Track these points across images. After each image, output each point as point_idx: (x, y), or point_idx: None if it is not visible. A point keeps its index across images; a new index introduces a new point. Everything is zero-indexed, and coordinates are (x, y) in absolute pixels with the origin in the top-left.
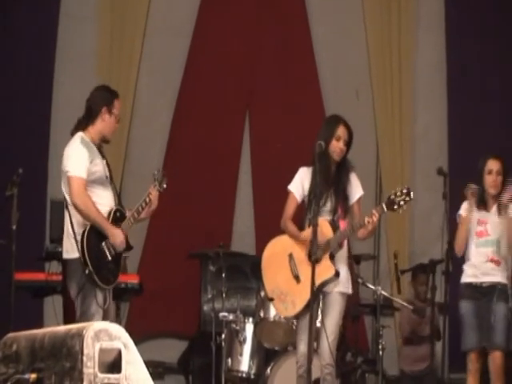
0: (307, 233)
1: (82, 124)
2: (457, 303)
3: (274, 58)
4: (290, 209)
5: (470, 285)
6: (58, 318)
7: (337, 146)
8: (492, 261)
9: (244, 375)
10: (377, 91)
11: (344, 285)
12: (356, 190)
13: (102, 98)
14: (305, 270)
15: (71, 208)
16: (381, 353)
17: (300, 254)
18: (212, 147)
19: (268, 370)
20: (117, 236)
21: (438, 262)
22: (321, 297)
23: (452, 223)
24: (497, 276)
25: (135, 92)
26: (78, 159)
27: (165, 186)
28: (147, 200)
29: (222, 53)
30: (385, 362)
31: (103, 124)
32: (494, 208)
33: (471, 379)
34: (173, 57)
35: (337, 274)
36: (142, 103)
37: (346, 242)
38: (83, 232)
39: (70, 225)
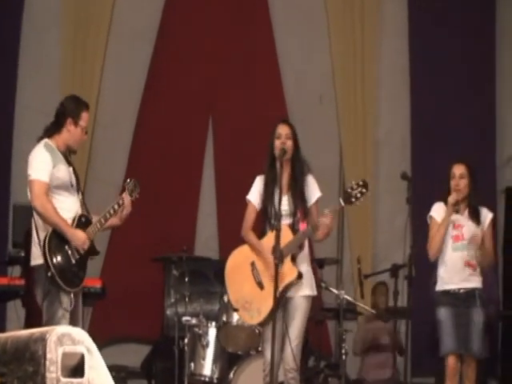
0: (266, 244)
1: (49, 131)
2: (421, 307)
3: (237, 63)
4: (249, 218)
5: (447, 292)
6: (21, 322)
7: (278, 143)
8: (468, 265)
9: (207, 379)
10: (340, 96)
11: (307, 287)
12: (313, 191)
13: (69, 110)
14: (267, 276)
15: (36, 215)
16: (344, 357)
17: (262, 263)
18: (175, 151)
19: (231, 374)
20: (77, 237)
21: (400, 267)
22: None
23: (415, 227)
24: (474, 282)
25: (98, 97)
26: (40, 163)
27: (137, 195)
28: (116, 207)
29: (185, 57)
30: (348, 366)
31: (68, 134)
32: (466, 212)
33: (450, 382)
34: (136, 62)
35: (300, 276)
36: (105, 108)
37: (307, 244)
38: (45, 236)
39: (35, 232)
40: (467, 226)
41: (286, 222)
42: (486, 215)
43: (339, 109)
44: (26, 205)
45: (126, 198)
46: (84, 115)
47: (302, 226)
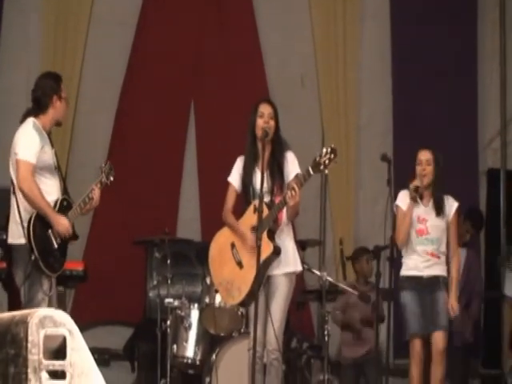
0: (243, 222)
1: (31, 114)
2: (397, 294)
3: (219, 47)
4: (229, 200)
5: (410, 277)
6: (3, 306)
7: (260, 122)
8: (432, 255)
9: (189, 361)
10: (322, 79)
11: (289, 264)
12: (292, 168)
13: (50, 88)
14: (246, 254)
15: (18, 193)
16: (326, 338)
17: (240, 242)
18: (157, 135)
19: (213, 356)
20: (61, 223)
21: (382, 248)
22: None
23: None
24: (438, 270)
25: (80, 82)
26: (28, 144)
27: (112, 178)
28: (90, 195)
29: (166, 42)
30: (330, 347)
31: (55, 111)
32: (431, 203)
33: (414, 366)
34: (117, 46)
35: (277, 251)
36: (86, 93)
37: (286, 219)
38: (30, 218)
39: (16, 210)
40: (431, 220)
41: (265, 199)
42: (452, 204)
43: (321, 92)
44: (4, 188)
45: (96, 192)
46: (63, 86)
47: (277, 200)
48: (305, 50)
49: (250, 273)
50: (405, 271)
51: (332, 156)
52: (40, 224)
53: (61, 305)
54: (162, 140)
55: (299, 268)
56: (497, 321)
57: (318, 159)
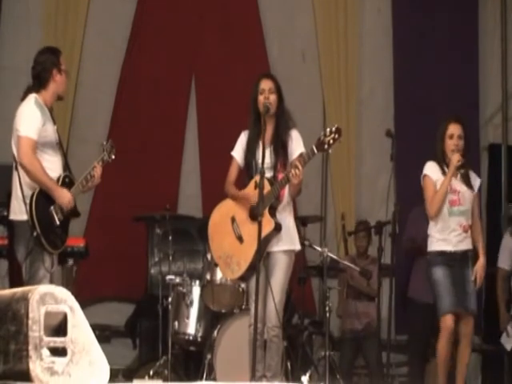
0: (246, 189)
1: (32, 90)
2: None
3: (219, 21)
4: (232, 174)
5: (443, 252)
6: (4, 282)
7: (261, 98)
8: (464, 229)
9: (191, 338)
10: (323, 54)
11: (288, 241)
12: (297, 146)
13: (50, 62)
14: (247, 229)
15: (20, 169)
16: (328, 314)
17: (241, 215)
18: (158, 111)
19: (215, 333)
20: (63, 196)
21: (384, 224)
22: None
23: (399, 185)
24: (467, 244)
25: (81, 57)
26: (30, 120)
27: (113, 156)
28: (92, 173)
29: (167, 18)
30: (332, 323)
31: (56, 85)
32: (460, 176)
33: (445, 342)
34: (118, 21)
35: (277, 228)
36: (87, 68)
37: (288, 197)
38: (32, 194)
39: (18, 186)
40: (463, 192)
41: (267, 175)
42: (476, 179)
43: (322, 67)
44: (6, 164)
45: (98, 169)
46: (62, 59)
47: (280, 177)
48: (306, 25)
49: (250, 248)
50: (436, 246)
51: (336, 136)
52: (42, 200)
53: (69, 278)
54: (163, 116)
55: (298, 247)
56: (497, 297)
57: (322, 138)
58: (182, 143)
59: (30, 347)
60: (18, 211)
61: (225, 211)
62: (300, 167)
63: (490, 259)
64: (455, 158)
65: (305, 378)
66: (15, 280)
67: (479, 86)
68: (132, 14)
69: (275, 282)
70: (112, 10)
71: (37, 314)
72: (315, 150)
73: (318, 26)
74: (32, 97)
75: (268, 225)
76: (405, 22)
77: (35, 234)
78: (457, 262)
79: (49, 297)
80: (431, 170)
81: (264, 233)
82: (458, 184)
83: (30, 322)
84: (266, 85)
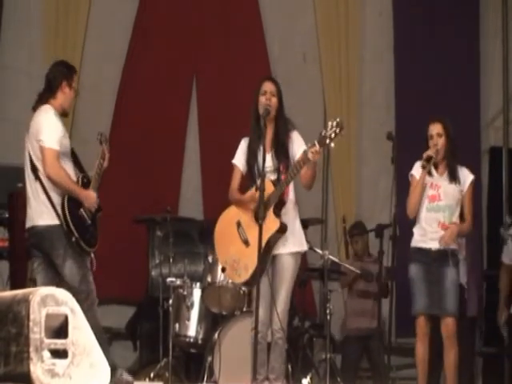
0: (250, 192)
1: (43, 98)
2: (405, 266)
3: (220, 22)
4: (235, 181)
5: (419, 249)
6: (5, 284)
7: (262, 100)
8: (443, 227)
9: (191, 340)
10: (324, 55)
11: (296, 243)
12: (298, 147)
13: (61, 72)
14: (252, 232)
15: (44, 178)
16: (328, 317)
17: (247, 219)
18: (159, 112)
19: (215, 335)
20: (89, 197)
21: (385, 227)
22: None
23: (400, 187)
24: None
25: (82, 58)
26: (52, 130)
27: (107, 148)
28: (101, 161)
29: (169, 18)
30: (332, 326)
31: (63, 97)
32: (446, 173)
33: (420, 344)
34: (120, 22)
35: (283, 228)
36: (89, 69)
37: (294, 199)
38: (63, 202)
39: (44, 195)
40: (444, 187)
41: (270, 178)
42: (467, 176)
43: (323, 68)
44: (6, 165)
45: (106, 151)
46: (75, 77)
47: (284, 178)
48: (307, 26)
49: (256, 251)
50: (413, 242)
51: (338, 130)
52: (72, 205)
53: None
54: (164, 117)
55: (305, 247)
56: (498, 299)
57: (323, 133)
58: (183, 145)
59: (31, 349)
60: (49, 217)
61: (229, 218)
62: (318, 146)
63: (492, 262)
64: (424, 154)
65: (305, 381)
66: (16, 282)
67: (480, 89)
68: (133, 16)
69: (281, 286)
70: (113, 12)
71: (38, 316)
72: (317, 146)
73: (318, 27)
74: (49, 108)
75: (273, 225)
76: (406, 24)
77: (74, 239)
78: (433, 259)
79: (50, 299)
80: (417, 169)
81: (269, 233)
82: (440, 180)
83: (30, 323)
84: (267, 87)
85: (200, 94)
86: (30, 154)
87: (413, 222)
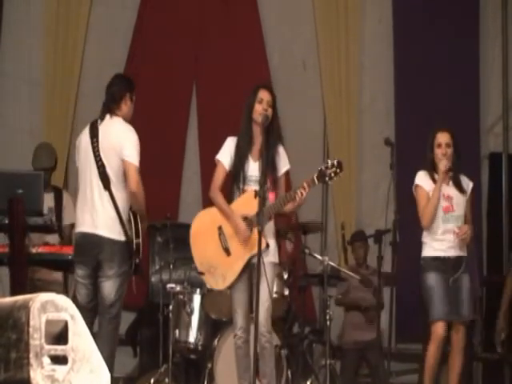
0: (235, 208)
1: (107, 109)
2: (405, 272)
3: (221, 28)
4: (218, 178)
5: (437, 258)
6: (5, 290)
7: (259, 108)
8: (457, 235)
9: (192, 346)
10: (324, 62)
11: (273, 255)
12: (283, 163)
13: (126, 85)
14: (235, 243)
15: (118, 190)
16: (328, 323)
17: (230, 228)
18: (159, 118)
19: (215, 341)
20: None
21: (384, 232)
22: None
23: (399, 193)
24: (462, 249)
25: (82, 63)
26: (136, 147)
27: None
28: None
29: (169, 24)
30: (332, 331)
31: (126, 109)
32: (451, 183)
33: (434, 349)
34: (119, 28)
35: (267, 246)
36: (88, 76)
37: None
38: (136, 220)
39: (113, 208)
40: (456, 198)
41: (253, 187)
42: (468, 184)
43: (323, 75)
44: (6, 172)
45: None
46: (134, 92)
47: (271, 195)
48: (306, 33)
49: (237, 263)
50: (429, 252)
51: (338, 170)
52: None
53: (71, 286)
54: (164, 124)
55: (277, 260)
56: (498, 305)
57: (323, 170)
58: (183, 151)
59: (31, 355)
60: (115, 231)
61: (211, 218)
62: (307, 188)
63: (492, 268)
64: (442, 165)
65: None
66: (16, 288)
67: (480, 95)
68: (133, 22)
69: (263, 289)
70: (113, 18)
71: (38, 322)
72: (316, 181)
73: (318, 35)
74: (126, 123)
75: (261, 244)
76: (405, 31)
77: (137, 260)
78: (450, 267)
79: (50, 305)
80: (422, 179)
81: (253, 251)
82: (450, 190)
83: (30, 329)
84: (265, 96)
85: (200, 100)
86: (102, 163)
87: (412, 227)
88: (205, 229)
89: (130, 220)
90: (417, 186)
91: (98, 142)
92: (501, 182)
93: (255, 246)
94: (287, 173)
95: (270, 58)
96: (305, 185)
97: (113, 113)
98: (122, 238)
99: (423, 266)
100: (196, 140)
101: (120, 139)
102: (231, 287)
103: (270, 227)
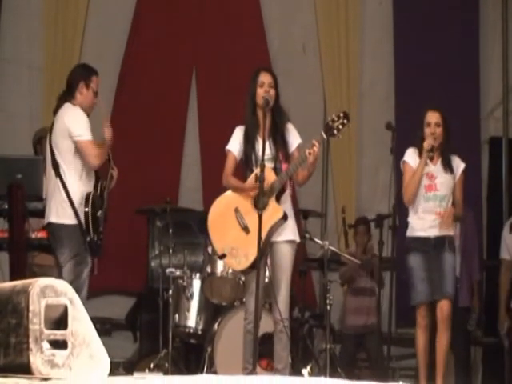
0: (250, 181)
1: (63, 100)
2: (404, 257)
3: (220, 14)
4: (229, 167)
5: (418, 238)
6: (4, 275)
7: (261, 92)
8: (440, 215)
9: (191, 331)
10: (324, 46)
11: (291, 232)
12: (294, 138)
13: (79, 73)
14: (252, 219)
15: (67, 174)
16: (328, 307)
17: (245, 206)
18: (159, 103)
19: (215, 326)
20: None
21: (385, 217)
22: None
23: (399, 178)
24: (444, 229)
25: (81, 50)
26: (85, 124)
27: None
28: (112, 179)
29: (168, 10)
30: (332, 316)
31: (81, 98)
32: (439, 162)
33: (420, 333)
34: (119, 13)
35: (285, 216)
36: (88, 61)
37: (289, 191)
38: (87, 201)
39: (64, 192)
40: (440, 177)
41: (268, 165)
42: (459, 164)
43: (323, 59)
44: (6, 157)
45: (115, 173)
46: (94, 79)
47: (284, 167)
48: (306, 17)
49: (256, 238)
50: (411, 232)
51: (345, 121)
52: (92, 206)
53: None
54: (164, 109)
55: (298, 239)
56: (498, 290)
57: (330, 123)
58: (183, 136)
59: (31, 340)
60: (65, 215)
61: (226, 203)
62: (317, 144)
63: (492, 252)
64: (426, 143)
65: (306, 371)
66: (16, 273)
67: (480, 79)
68: (133, 7)
69: (283, 273)
70: (112, 3)
71: (37, 307)
72: (324, 136)
73: (318, 18)
74: (73, 105)
75: (277, 213)
76: (406, 14)
77: (89, 239)
78: (431, 247)
79: (49, 289)
80: (410, 156)
81: (272, 221)
82: (436, 169)
83: (30, 314)
84: (265, 78)
85: (200, 85)
86: (52, 152)
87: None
88: (221, 214)
89: (88, 200)
90: (404, 162)
91: (51, 134)
92: (501, 166)
93: (273, 217)
94: (298, 146)
95: (269, 41)
96: (314, 141)
97: (69, 102)
98: (73, 221)
99: (406, 247)
100: (196, 125)
101: (65, 123)
102: (246, 272)
103: (287, 200)
